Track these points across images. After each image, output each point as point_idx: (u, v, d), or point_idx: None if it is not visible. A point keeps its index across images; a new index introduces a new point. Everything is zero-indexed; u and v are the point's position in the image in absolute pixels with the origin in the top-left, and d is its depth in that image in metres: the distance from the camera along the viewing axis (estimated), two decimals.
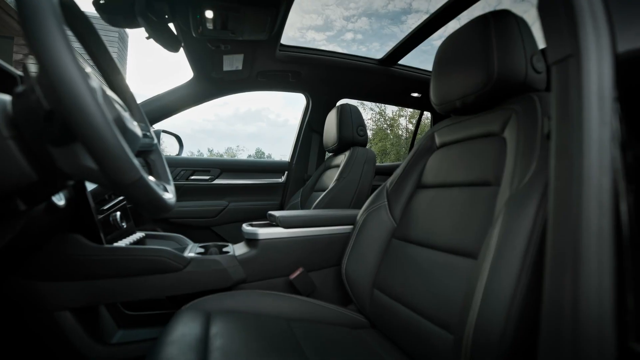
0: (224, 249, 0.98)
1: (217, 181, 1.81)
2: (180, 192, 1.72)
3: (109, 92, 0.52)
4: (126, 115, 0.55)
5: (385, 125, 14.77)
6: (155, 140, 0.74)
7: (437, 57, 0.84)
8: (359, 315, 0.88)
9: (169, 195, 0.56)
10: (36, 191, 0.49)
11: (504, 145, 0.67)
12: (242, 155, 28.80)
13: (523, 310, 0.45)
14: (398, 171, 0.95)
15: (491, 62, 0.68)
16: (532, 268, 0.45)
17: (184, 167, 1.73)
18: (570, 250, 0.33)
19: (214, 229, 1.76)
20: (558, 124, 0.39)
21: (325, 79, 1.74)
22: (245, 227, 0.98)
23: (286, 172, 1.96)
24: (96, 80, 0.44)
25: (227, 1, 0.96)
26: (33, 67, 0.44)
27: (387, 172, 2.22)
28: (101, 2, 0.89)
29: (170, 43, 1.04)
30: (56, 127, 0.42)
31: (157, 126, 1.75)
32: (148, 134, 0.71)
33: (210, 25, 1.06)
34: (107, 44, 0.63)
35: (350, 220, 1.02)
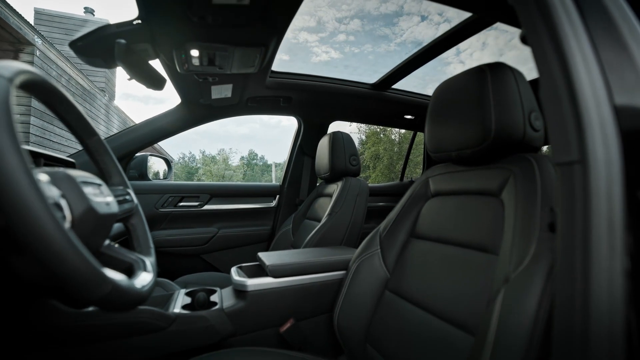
0: (212, 298, 0.94)
1: (206, 207, 1.76)
2: (168, 219, 1.67)
3: (79, 175, 0.48)
4: (100, 194, 0.51)
5: (378, 129, 14.82)
6: (136, 201, 0.70)
7: (432, 104, 0.83)
8: None
9: (146, 279, 0.52)
10: None
11: (502, 208, 0.65)
12: (235, 157, 28.47)
13: None
14: (392, 216, 0.93)
15: (488, 119, 0.67)
16: (538, 352, 0.44)
17: (172, 194, 1.68)
18: None
19: (203, 257, 1.72)
20: (564, 239, 0.36)
21: (317, 103, 1.71)
22: (234, 276, 0.94)
23: (277, 196, 1.92)
24: (51, 182, 0.40)
25: (214, 42, 0.92)
26: None
27: (378, 193, 2.20)
28: (79, 44, 0.84)
29: (153, 82, 0.99)
30: (14, 239, 0.38)
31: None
32: (128, 197, 0.67)
33: (196, 62, 1.02)
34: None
35: (343, 266, 0.99)
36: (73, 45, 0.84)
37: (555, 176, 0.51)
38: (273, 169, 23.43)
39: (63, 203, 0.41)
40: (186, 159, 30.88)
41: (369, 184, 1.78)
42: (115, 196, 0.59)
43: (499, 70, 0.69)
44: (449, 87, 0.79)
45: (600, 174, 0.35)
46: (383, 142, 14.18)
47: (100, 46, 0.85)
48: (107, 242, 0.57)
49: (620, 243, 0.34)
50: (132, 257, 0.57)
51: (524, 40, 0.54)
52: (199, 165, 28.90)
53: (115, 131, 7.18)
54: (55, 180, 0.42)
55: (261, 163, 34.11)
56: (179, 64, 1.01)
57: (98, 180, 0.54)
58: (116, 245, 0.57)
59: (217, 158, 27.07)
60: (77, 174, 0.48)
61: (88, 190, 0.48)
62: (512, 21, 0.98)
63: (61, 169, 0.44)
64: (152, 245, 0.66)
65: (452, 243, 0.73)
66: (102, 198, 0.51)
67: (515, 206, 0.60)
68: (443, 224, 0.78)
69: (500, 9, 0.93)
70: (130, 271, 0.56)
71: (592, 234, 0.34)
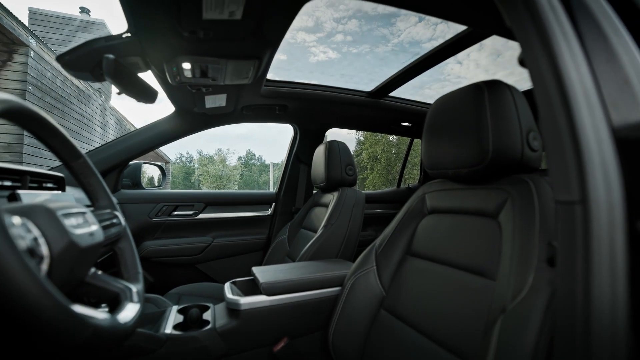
0: (205, 315, 0.92)
1: (201, 215, 1.74)
2: (162, 228, 1.64)
3: (60, 206, 0.46)
4: (84, 224, 0.49)
5: None
6: (124, 224, 0.68)
7: (429, 120, 0.81)
8: None
9: (130, 313, 0.50)
10: None
11: (499, 231, 0.64)
12: (233, 158, 28.33)
13: None
14: (387, 231, 0.92)
15: (486, 139, 0.65)
16: None
17: (166, 203, 1.65)
18: None
19: (198, 267, 1.69)
20: (564, 278, 0.35)
21: (313, 111, 1.69)
22: (228, 293, 0.92)
23: (273, 204, 1.90)
24: (29, 220, 0.38)
25: (206, 55, 0.90)
26: None
27: (375, 200, 2.18)
28: (66, 58, 0.82)
29: (144, 96, 0.97)
30: None
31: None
32: (115, 220, 0.65)
33: (188, 75, 1.00)
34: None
35: (338, 282, 0.98)
36: (61, 59, 0.82)
37: (553, 201, 0.49)
38: (271, 169, 23.33)
39: (41, 241, 0.39)
40: (184, 159, 30.77)
41: (366, 190, 1.77)
42: (101, 221, 0.58)
43: (497, 89, 0.67)
44: (446, 104, 0.77)
45: (602, 215, 0.33)
46: (381, 143, 14.17)
47: (88, 60, 0.82)
48: (92, 270, 0.56)
49: (622, 281, 0.32)
50: (118, 286, 0.55)
51: (522, 63, 0.53)
52: (196, 165, 28.77)
53: (111, 132, 7.13)
54: (32, 217, 0.40)
55: (259, 163, 34.02)
56: (171, 76, 0.99)
57: (82, 208, 0.52)
58: (99, 273, 0.55)
59: (215, 158, 26.94)
60: (59, 205, 0.46)
61: (70, 221, 0.46)
62: (508, 35, 0.97)
63: (40, 204, 0.42)
64: (140, 270, 0.64)
65: (449, 264, 0.72)
66: (86, 228, 0.49)
67: (512, 231, 0.59)
68: (439, 243, 0.77)
69: (498, 23, 0.92)
70: (116, 301, 0.54)
71: (594, 274, 0.32)
